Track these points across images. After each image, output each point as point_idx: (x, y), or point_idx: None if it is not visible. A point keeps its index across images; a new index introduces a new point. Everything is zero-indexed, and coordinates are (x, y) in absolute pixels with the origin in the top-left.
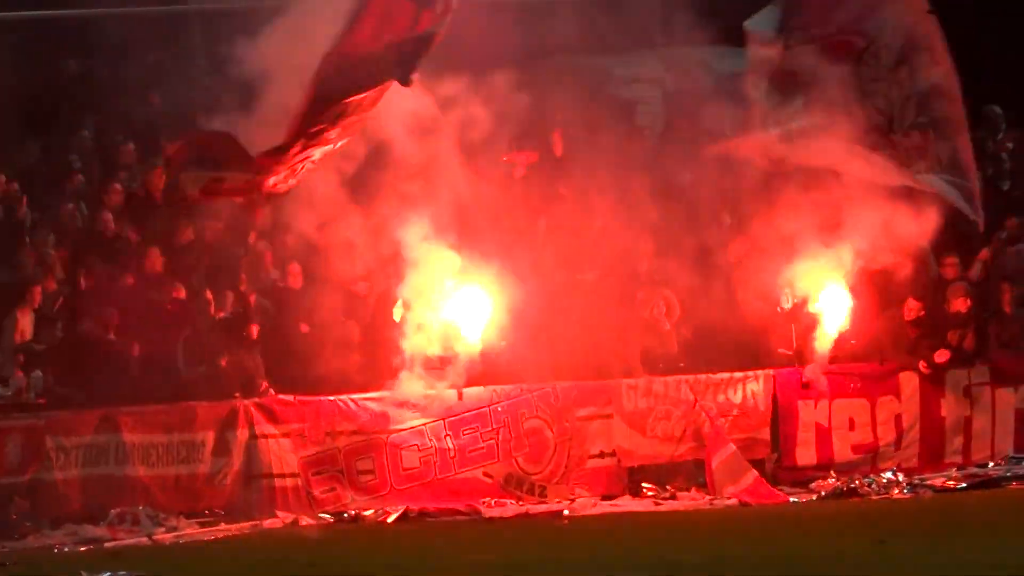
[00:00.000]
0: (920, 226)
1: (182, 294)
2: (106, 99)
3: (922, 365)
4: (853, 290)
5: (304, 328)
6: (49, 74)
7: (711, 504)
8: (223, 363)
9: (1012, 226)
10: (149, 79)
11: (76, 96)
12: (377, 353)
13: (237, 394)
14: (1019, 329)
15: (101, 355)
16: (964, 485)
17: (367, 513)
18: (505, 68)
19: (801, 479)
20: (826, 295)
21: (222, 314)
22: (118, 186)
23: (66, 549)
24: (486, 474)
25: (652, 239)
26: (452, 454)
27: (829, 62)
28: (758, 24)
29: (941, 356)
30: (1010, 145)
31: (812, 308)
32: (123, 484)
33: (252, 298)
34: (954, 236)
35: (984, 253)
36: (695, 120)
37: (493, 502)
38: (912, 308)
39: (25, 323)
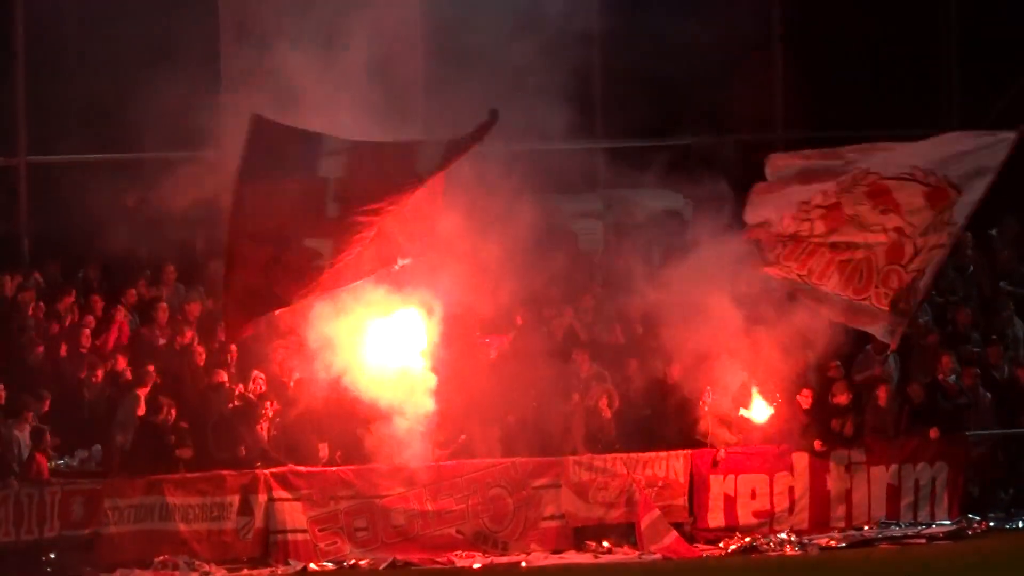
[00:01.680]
0: (819, 338)
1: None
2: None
3: (816, 444)
4: (757, 388)
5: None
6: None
7: (640, 558)
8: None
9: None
10: None
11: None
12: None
13: (258, 464)
14: (890, 420)
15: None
16: (844, 544)
17: (363, 563)
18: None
19: (712, 538)
20: (736, 394)
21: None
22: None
23: None
24: (458, 532)
25: (594, 349)
26: (431, 515)
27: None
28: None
29: (825, 442)
30: None
31: (725, 404)
32: (165, 537)
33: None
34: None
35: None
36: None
37: (464, 555)
38: (805, 398)
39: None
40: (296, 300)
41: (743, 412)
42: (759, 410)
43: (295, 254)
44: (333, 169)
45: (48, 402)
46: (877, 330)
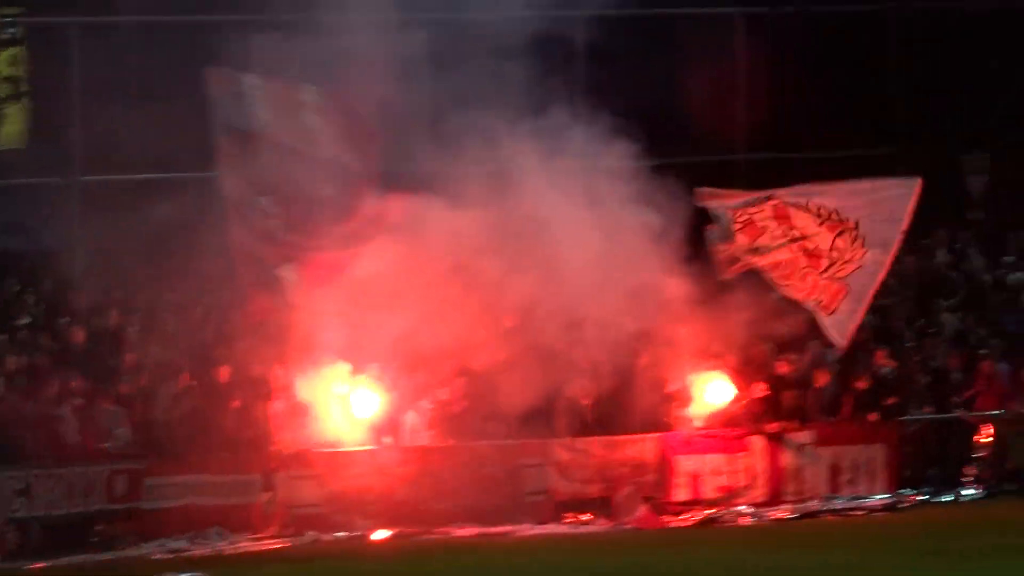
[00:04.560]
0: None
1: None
2: None
3: (768, 430)
4: (719, 380)
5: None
6: None
7: (614, 528)
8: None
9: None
10: None
11: None
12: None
13: (279, 446)
14: (831, 404)
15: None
16: (794, 516)
17: (373, 534)
18: None
19: (678, 511)
20: (700, 381)
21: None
22: None
23: (157, 557)
24: (455, 506)
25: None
26: (430, 491)
27: None
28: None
29: (777, 425)
30: None
31: (691, 391)
32: (199, 511)
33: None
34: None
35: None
36: None
37: (460, 526)
38: (759, 390)
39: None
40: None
41: (704, 397)
42: (718, 394)
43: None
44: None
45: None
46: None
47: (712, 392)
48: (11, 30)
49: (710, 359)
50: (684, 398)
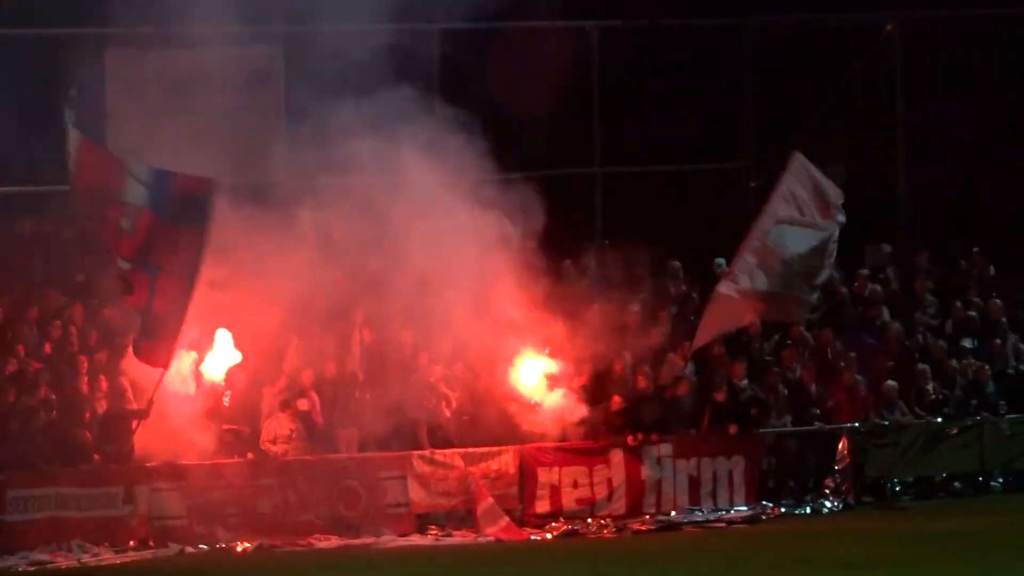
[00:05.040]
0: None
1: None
2: None
3: (629, 441)
4: (577, 392)
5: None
6: None
7: (476, 540)
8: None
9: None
10: None
11: None
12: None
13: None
14: (690, 416)
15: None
16: (654, 528)
17: (236, 546)
18: None
19: (539, 523)
20: (551, 397)
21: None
22: None
23: (21, 569)
24: (317, 517)
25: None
26: (293, 503)
27: None
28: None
29: (637, 437)
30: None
31: (549, 405)
32: (62, 523)
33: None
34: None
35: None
36: None
37: (322, 538)
38: (616, 403)
39: None
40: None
41: (554, 412)
42: (567, 410)
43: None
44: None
45: None
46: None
47: (561, 408)
48: None
49: (564, 372)
50: (538, 411)
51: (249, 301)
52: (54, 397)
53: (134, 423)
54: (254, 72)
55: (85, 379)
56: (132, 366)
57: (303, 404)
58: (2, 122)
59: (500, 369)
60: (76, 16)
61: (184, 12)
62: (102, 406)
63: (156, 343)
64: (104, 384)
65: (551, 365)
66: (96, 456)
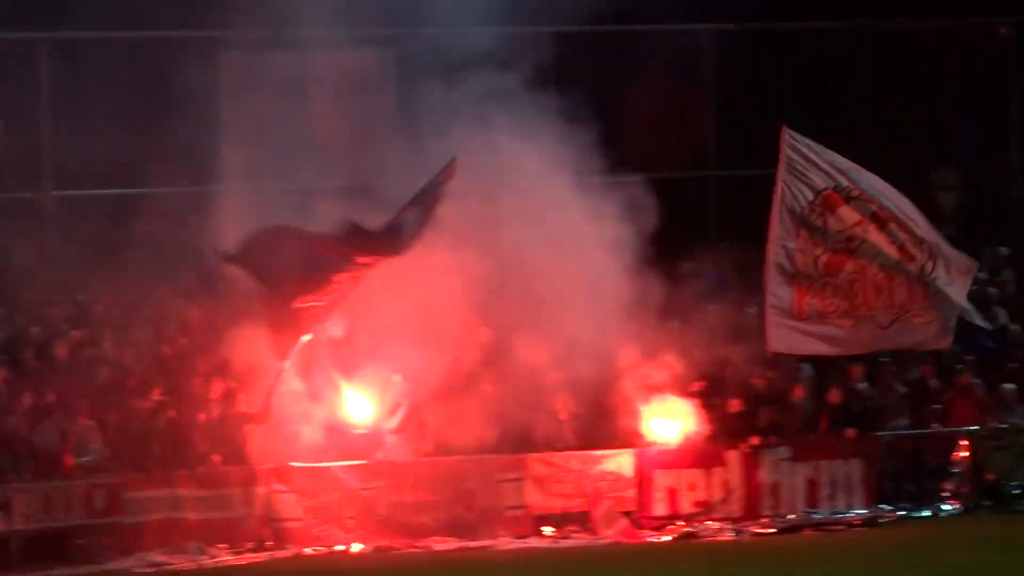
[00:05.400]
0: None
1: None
2: None
3: (744, 446)
4: (693, 396)
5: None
6: None
7: (593, 542)
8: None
9: None
10: None
11: None
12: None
13: (257, 462)
14: (808, 419)
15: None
16: (773, 530)
17: (353, 547)
18: None
19: (656, 525)
20: (675, 402)
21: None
22: None
23: (138, 571)
24: (435, 520)
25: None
26: (410, 505)
27: None
28: None
29: (754, 440)
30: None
31: (667, 411)
32: (178, 525)
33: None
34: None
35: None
36: None
37: (439, 540)
38: (733, 406)
39: None
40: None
41: (672, 413)
42: (685, 417)
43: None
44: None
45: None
46: (928, 336)
47: (678, 415)
48: None
49: (680, 376)
50: (657, 416)
51: (373, 300)
52: (170, 399)
53: (250, 425)
54: (364, 74)
55: (200, 381)
56: (251, 369)
57: (420, 406)
58: (116, 125)
59: (616, 372)
60: (188, 19)
61: (295, 16)
62: (218, 408)
63: (284, 337)
64: (219, 387)
65: (667, 369)
66: (215, 458)
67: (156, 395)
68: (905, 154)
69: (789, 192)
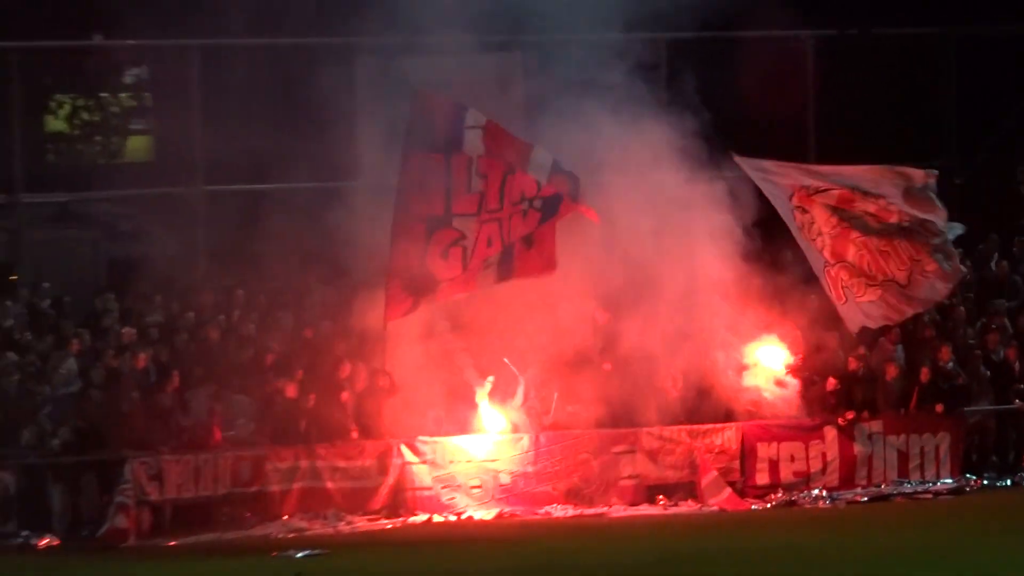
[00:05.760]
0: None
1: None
2: None
3: (840, 420)
4: (795, 374)
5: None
6: None
7: (700, 510)
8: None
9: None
10: None
11: None
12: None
13: (391, 436)
14: (899, 396)
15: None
16: (866, 499)
17: (476, 515)
18: None
19: (759, 494)
20: (779, 380)
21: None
22: None
23: (280, 536)
24: (554, 488)
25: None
26: (532, 475)
27: None
28: None
29: (849, 416)
30: None
31: (770, 388)
32: (317, 493)
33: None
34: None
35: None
36: None
37: (559, 507)
38: (831, 384)
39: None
40: (444, 285)
41: (776, 388)
42: (787, 387)
43: (443, 231)
44: (474, 146)
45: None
46: (934, 294)
47: (782, 381)
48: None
49: (783, 355)
50: (760, 392)
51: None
52: (311, 378)
53: (384, 400)
54: (495, 79)
55: (338, 361)
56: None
57: (542, 383)
58: (260, 126)
59: (724, 352)
60: (327, 27)
61: (429, 22)
62: (355, 386)
63: (399, 295)
64: (356, 367)
65: (772, 349)
66: (352, 432)
67: (299, 375)
68: (988, 149)
69: (775, 202)
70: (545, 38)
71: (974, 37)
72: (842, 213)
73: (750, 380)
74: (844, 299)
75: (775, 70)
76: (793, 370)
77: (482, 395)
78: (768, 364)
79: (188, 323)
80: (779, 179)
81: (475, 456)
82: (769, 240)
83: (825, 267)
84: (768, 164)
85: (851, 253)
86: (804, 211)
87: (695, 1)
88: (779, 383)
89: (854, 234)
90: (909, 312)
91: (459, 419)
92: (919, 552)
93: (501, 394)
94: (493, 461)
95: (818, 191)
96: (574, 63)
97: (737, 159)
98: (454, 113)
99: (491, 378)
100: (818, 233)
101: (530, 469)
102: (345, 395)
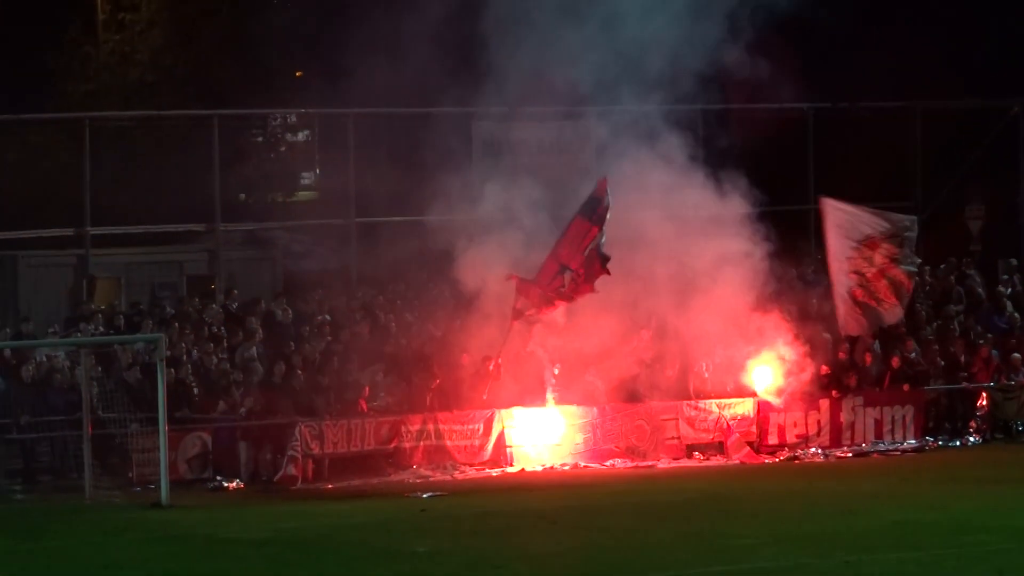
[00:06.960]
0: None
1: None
2: None
3: (832, 395)
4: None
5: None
6: None
7: (727, 463)
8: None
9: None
10: None
11: None
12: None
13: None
14: (875, 378)
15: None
16: (850, 455)
17: (558, 465)
18: None
19: (770, 452)
20: (782, 366)
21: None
22: None
23: (410, 481)
24: (616, 446)
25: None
26: (599, 435)
27: None
28: None
29: (839, 392)
30: None
31: (776, 373)
32: (439, 449)
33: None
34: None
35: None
36: None
37: (620, 461)
38: (824, 370)
39: None
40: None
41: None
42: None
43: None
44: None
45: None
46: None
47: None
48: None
49: (790, 349)
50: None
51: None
52: (438, 363)
53: (489, 381)
54: (575, 140)
55: (459, 353)
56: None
57: (604, 368)
58: (400, 170)
59: (743, 347)
60: (450, 98)
61: (529, 95)
62: (470, 371)
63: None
64: (471, 357)
65: (782, 348)
66: (467, 404)
67: (432, 364)
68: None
69: (839, 239)
70: (622, 108)
71: (936, 108)
72: (891, 255)
73: (763, 364)
74: (849, 310)
75: (782, 133)
76: (797, 359)
77: (550, 379)
78: (765, 382)
79: (344, 321)
80: (856, 221)
81: (556, 421)
82: (788, 261)
83: (850, 289)
84: (850, 207)
85: (875, 283)
86: (871, 247)
87: (723, 78)
88: (779, 392)
89: (885, 267)
90: (876, 327)
91: (541, 396)
92: (890, 494)
93: (564, 381)
94: (573, 426)
95: (889, 236)
96: (644, 129)
97: (823, 200)
98: (603, 193)
99: (558, 367)
100: (870, 264)
101: (599, 432)
102: (462, 376)
